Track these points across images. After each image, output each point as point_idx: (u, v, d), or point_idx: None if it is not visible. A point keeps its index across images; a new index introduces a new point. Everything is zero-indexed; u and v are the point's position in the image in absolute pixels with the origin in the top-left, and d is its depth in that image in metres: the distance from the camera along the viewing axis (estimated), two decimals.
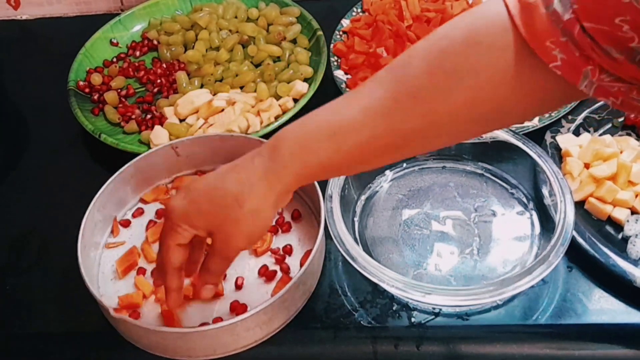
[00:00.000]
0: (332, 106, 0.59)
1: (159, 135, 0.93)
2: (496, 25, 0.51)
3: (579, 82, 0.49)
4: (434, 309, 0.74)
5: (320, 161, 0.58)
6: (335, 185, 0.78)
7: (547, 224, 0.78)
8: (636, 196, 0.80)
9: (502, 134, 0.82)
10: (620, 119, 0.89)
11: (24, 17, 1.23)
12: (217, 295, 0.75)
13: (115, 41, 1.10)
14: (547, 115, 0.90)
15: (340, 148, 0.57)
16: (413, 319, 0.73)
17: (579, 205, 0.80)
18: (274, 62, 1.04)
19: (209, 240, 0.64)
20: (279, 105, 0.96)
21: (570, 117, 0.89)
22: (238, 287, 0.76)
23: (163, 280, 0.65)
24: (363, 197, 0.85)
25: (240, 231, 0.61)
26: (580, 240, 0.75)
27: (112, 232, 0.83)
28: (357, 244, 0.76)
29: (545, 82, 0.50)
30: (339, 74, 0.99)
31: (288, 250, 0.79)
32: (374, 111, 0.55)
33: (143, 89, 1.03)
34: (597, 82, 0.48)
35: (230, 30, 1.08)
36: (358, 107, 0.56)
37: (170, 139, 0.92)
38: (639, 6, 0.43)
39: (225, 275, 0.77)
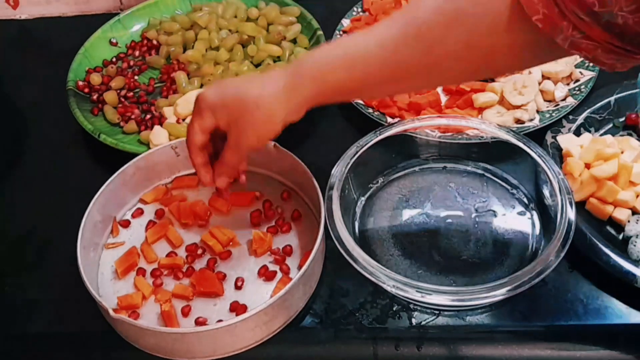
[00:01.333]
0: (350, 39, 0.69)
1: (158, 136, 0.92)
2: None
3: (555, 36, 0.55)
4: (434, 309, 0.74)
5: (334, 85, 0.66)
6: (335, 185, 0.78)
7: (548, 224, 0.78)
8: (637, 196, 0.80)
9: (503, 134, 0.82)
10: (621, 119, 0.89)
11: (23, 17, 1.23)
12: (217, 294, 0.75)
13: (114, 41, 1.10)
14: (547, 115, 0.90)
15: (353, 76, 0.65)
16: (413, 320, 0.73)
17: (580, 205, 0.80)
18: (274, 62, 1.04)
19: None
20: None
21: (571, 117, 0.89)
22: (238, 287, 0.76)
23: (190, 159, 0.73)
24: (363, 198, 0.85)
25: (253, 129, 0.69)
26: (581, 240, 0.75)
27: (111, 232, 0.83)
28: (358, 244, 0.75)
29: (528, 33, 0.56)
30: None
31: (288, 250, 0.79)
32: (385, 45, 0.63)
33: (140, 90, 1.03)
34: (570, 37, 0.54)
35: (230, 30, 1.08)
36: (373, 41, 0.64)
37: (170, 139, 0.92)
38: None
39: (225, 275, 0.77)
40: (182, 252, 0.80)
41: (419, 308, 0.74)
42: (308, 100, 0.67)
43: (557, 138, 0.87)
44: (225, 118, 0.69)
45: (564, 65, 0.94)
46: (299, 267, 0.76)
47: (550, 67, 0.94)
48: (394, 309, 0.74)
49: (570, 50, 0.56)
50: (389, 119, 0.91)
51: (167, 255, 0.80)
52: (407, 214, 0.83)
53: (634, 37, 0.52)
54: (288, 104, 0.67)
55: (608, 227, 0.79)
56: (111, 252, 0.81)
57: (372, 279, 0.70)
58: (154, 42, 1.09)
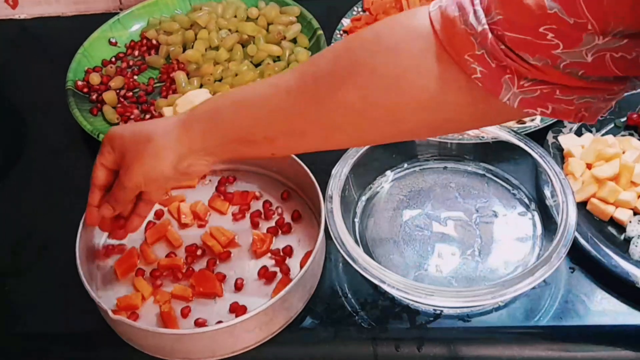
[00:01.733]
0: (252, 84, 0.68)
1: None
2: (419, 33, 0.52)
3: (500, 93, 0.50)
4: (435, 310, 0.73)
5: (223, 128, 0.64)
6: (335, 185, 0.77)
7: (549, 224, 0.78)
8: (638, 197, 0.80)
9: (503, 134, 0.82)
10: (623, 119, 0.89)
11: (22, 17, 1.23)
12: (217, 295, 0.75)
13: (114, 41, 1.09)
14: None
15: (240, 118, 0.62)
16: (414, 321, 0.73)
17: (581, 205, 0.80)
18: (274, 61, 1.03)
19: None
20: None
21: None
22: (238, 288, 0.76)
23: (89, 196, 0.72)
24: (363, 198, 0.85)
25: (140, 165, 0.67)
26: (582, 241, 0.75)
27: None
28: (358, 245, 0.75)
29: (467, 95, 0.52)
30: None
31: (288, 251, 0.79)
32: (279, 88, 0.60)
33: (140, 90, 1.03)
34: (518, 90, 0.49)
35: (229, 30, 1.08)
36: (267, 83, 0.63)
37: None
38: (563, 16, 0.45)
39: (225, 276, 0.77)
40: (181, 253, 0.80)
41: (419, 309, 0.74)
42: (196, 141, 0.65)
43: (558, 138, 0.87)
44: (119, 152, 0.68)
45: None
46: (299, 268, 0.76)
47: None
48: (395, 309, 0.74)
49: (522, 109, 0.50)
50: None
51: (167, 256, 0.80)
52: (408, 214, 0.83)
53: (603, 78, 0.48)
54: (178, 144, 0.65)
55: (609, 228, 0.79)
56: (111, 253, 0.81)
57: (373, 280, 0.70)
58: (154, 41, 1.09)
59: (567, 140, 0.86)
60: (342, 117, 0.57)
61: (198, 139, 0.64)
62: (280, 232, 0.81)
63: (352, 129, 0.59)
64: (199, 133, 0.64)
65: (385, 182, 0.87)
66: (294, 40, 1.06)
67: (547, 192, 0.79)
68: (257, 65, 1.04)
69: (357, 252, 0.72)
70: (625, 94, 0.53)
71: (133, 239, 0.82)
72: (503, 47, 0.48)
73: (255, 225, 0.82)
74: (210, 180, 0.88)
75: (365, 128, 0.58)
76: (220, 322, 0.71)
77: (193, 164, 0.66)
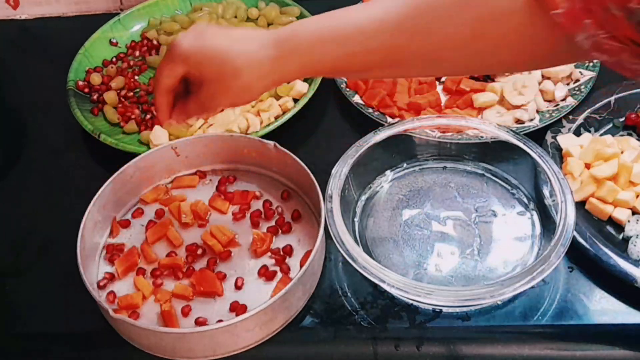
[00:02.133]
0: (347, 11, 0.61)
1: (158, 136, 0.92)
2: None
3: (577, 33, 0.49)
4: (434, 309, 0.74)
5: (323, 61, 0.61)
6: (335, 185, 0.77)
7: (548, 224, 0.78)
8: (637, 196, 0.80)
9: (503, 134, 0.82)
10: (621, 119, 0.89)
11: (23, 17, 1.23)
12: (217, 294, 0.75)
13: (114, 41, 1.10)
14: (547, 115, 0.90)
15: (341, 53, 0.60)
16: (414, 320, 0.73)
17: (580, 205, 0.80)
18: None
19: None
20: (279, 105, 0.95)
21: (571, 117, 0.89)
22: (238, 287, 0.76)
23: (154, 99, 0.69)
24: (363, 198, 0.85)
25: (227, 96, 0.65)
26: (581, 240, 0.75)
27: (111, 232, 0.83)
28: (358, 244, 0.75)
29: (544, 29, 0.51)
30: None
31: (288, 250, 0.79)
32: (385, 25, 0.58)
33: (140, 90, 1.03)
34: (593, 36, 0.49)
35: None
36: (370, 17, 0.59)
37: (170, 139, 0.92)
38: None
39: (225, 275, 0.77)
40: (182, 252, 0.80)
41: (418, 308, 0.74)
42: (292, 73, 0.64)
43: (557, 138, 0.87)
44: (199, 74, 0.65)
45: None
46: (299, 267, 0.76)
47: None
48: (394, 309, 0.74)
49: (591, 52, 0.50)
50: (389, 119, 0.91)
51: (167, 255, 0.80)
52: (407, 214, 0.83)
53: None
54: (269, 77, 0.63)
55: (608, 227, 0.79)
56: (111, 252, 0.81)
57: (372, 279, 0.70)
58: (154, 42, 1.09)
59: (566, 140, 0.86)
60: (448, 51, 0.57)
61: (294, 71, 0.63)
62: (280, 231, 0.82)
63: (456, 61, 0.59)
64: (295, 66, 0.62)
65: (385, 182, 0.87)
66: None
67: (546, 191, 0.79)
68: None
69: (357, 251, 0.72)
70: (624, 93, 0.52)
71: (134, 239, 0.83)
72: None
73: (255, 224, 0.82)
74: (210, 180, 0.89)
75: (466, 60, 0.58)
76: (220, 321, 0.71)
77: (279, 84, 0.66)
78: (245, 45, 0.63)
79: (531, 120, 0.90)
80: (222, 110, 0.70)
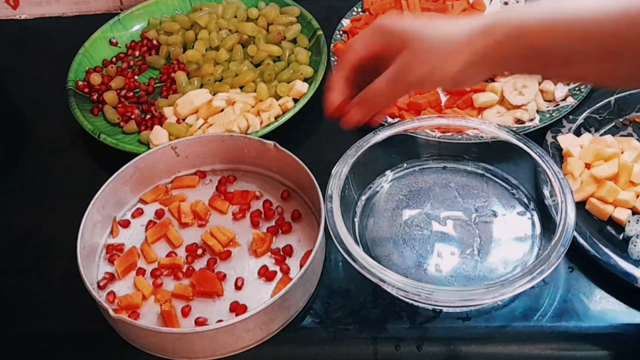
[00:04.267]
0: (564, 3, 0.57)
1: (158, 136, 0.92)
2: None
3: None
4: (434, 309, 0.74)
5: (533, 51, 0.58)
6: (335, 185, 0.77)
7: (548, 224, 0.78)
8: (637, 196, 0.80)
9: (503, 134, 0.82)
10: (622, 119, 0.89)
11: (22, 17, 1.23)
12: (217, 294, 0.75)
13: (114, 41, 1.10)
14: (548, 115, 0.90)
15: (551, 31, 0.56)
16: (414, 320, 0.73)
17: (580, 205, 0.80)
18: (274, 61, 1.04)
19: None
20: (279, 105, 0.95)
21: (571, 117, 0.89)
22: (238, 287, 0.76)
23: (335, 71, 0.68)
24: (363, 198, 0.85)
25: (422, 64, 0.62)
26: (581, 240, 0.75)
27: (111, 232, 0.83)
28: (358, 244, 0.75)
29: None
30: None
31: (288, 250, 0.79)
32: (604, 10, 0.54)
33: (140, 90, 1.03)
34: None
35: (230, 30, 1.08)
36: (591, 9, 0.55)
37: (170, 139, 0.92)
38: None
39: (225, 275, 0.77)
40: (182, 252, 0.80)
41: (419, 308, 0.74)
42: (497, 60, 0.60)
43: (557, 138, 0.87)
44: (397, 45, 0.62)
45: None
46: (299, 267, 0.76)
47: None
48: (394, 309, 0.74)
49: None
50: (389, 119, 0.91)
51: (167, 255, 0.80)
52: (407, 214, 0.83)
53: None
54: (472, 50, 0.60)
55: (608, 227, 0.79)
56: (111, 252, 0.81)
57: (372, 279, 0.70)
58: (154, 42, 1.09)
59: (566, 140, 0.86)
60: None
61: (492, 55, 0.59)
62: (280, 231, 0.82)
63: None
64: (499, 51, 0.59)
65: (385, 182, 0.87)
66: (294, 41, 1.06)
67: (546, 191, 0.79)
68: (257, 66, 1.04)
69: (357, 251, 0.72)
70: (624, 93, 0.51)
71: (134, 239, 0.83)
72: None
73: (255, 224, 0.82)
74: (210, 180, 0.89)
75: None
76: (220, 321, 0.71)
77: (473, 76, 0.63)
78: (454, 23, 0.62)
79: (531, 120, 0.90)
80: (415, 91, 0.70)
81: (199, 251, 0.80)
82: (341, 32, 1.05)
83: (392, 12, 0.64)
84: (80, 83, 1.02)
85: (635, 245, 0.76)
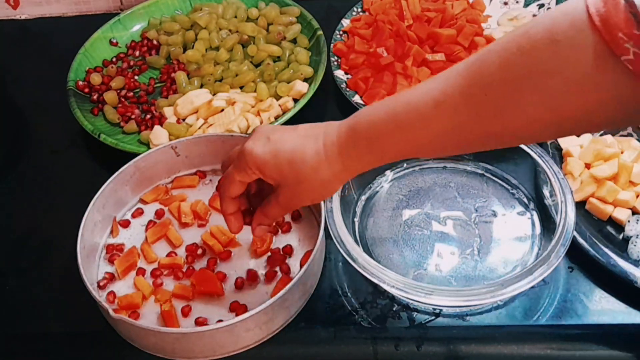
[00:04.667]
0: (407, 97, 0.58)
1: (158, 136, 0.92)
2: (575, 20, 0.47)
3: None
4: (434, 309, 0.74)
5: (391, 151, 0.60)
6: None
7: (548, 224, 0.78)
8: (637, 196, 0.80)
9: None
10: None
11: (23, 17, 1.23)
12: (217, 294, 0.75)
13: (114, 41, 1.10)
14: None
15: (410, 140, 0.58)
16: (413, 320, 0.73)
17: (580, 205, 0.80)
18: (274, 62, 1.04)
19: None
20: (279, 105, 0.95)
21: None
22: (238, 287, 0.76)
23: (221, 207, 0.71)
24: (363, 198, 0.85)
25: (308, 195, 0.65)
26: (581, 240, 0.75)
27: (111, 232, 0.83)
28: (358, 244, 0.76)
29: (621, 83, 0.46)
30: (339, 73, 0.99)
31: (288, 250, 0.79)
32: (444, 106, 0.54)
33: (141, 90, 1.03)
34: None
35: (230, 30, 1.08)
36: (429, 101, 0.55)
37: (170, 139, 0.92)
38: None
39: (225, 275, 0.77)
40: (182, 252, 0.80)
41: (418, 308, 0.74)
42: (366, 166, 0.62)
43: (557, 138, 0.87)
44: (277, 180, 0.65)
45: None
46: (299, 267, 0.76)
47: None
48: (394, 308, 0.74)
49: None
50: None
51: (167, 255, 0.80)
52: (407, 214, 0.83)
53: None
54: (343, 173, 0.63)
55: (608, 227, 0.79)
56: (111, 252, 0.81)
57: (372, 279, 0.70)
58: (154, 42, 1.09)
59: (566, 140, 0.86)
60: (518, 127, 0.52)
61: (359, 166, 0.62)
62: (280, 231, 0.82)
63: (530, 135, 0.54)
64: (364, 159, 0.61)
65: (385, 182, 0.87)
66: (294, 41, 1.06)
67: (546, 191, 0.79)
68: (257, 66, 1.04)
69: (357, 251, 0.72)
70: None
71: (134, 239, 0.83)
72: None
73: None
74: (210, 180, 0.89)
75: (544, 132, 0.53)
76: (220, 321, 0.71)
77: (360, 171, 0.64)
78: (315, 143, 0.63)
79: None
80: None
81: (199, 251, 0.80)
82: (341, 32, 1.05)
83: (261, 129, 0.66)
84: (81, 83, 1.02)
85: (635, 245, 0.76)
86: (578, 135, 0.86)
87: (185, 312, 0.74)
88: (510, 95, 0.50)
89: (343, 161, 0.62)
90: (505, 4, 1.08)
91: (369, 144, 0.60)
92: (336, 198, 0.76)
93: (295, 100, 0.97)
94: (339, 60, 1.01)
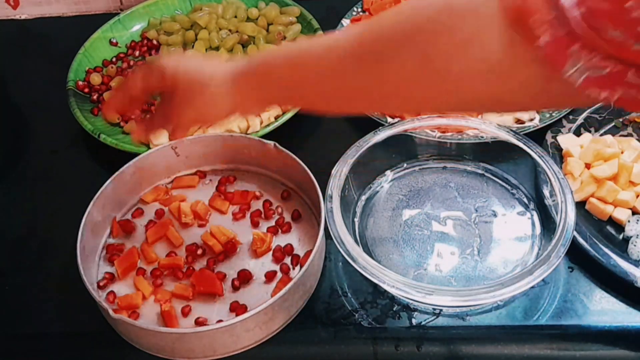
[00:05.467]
0: (307, 42, 0.63)
1: (158, 136, 0.92)
2: None
3: (564, 66, 0.43)
4: (434, 309, 0.74)
5: (278, 85, 0.62)
6: (335, 185, 0.78)
7: (548, 224, 0.78)
8: (637, 196, 0.80)
9: (503, 134, 0.82)
10: (622, 119, 0.89)
11: (23, 17, 1.23)
12: (217, 294, 0.75)
13: (114, 41, 1.10)
14: (548, 115, 0.90)
15: (296, 79, 0.60)
16: (413, 320, 0.73)
17: (580, 205, 0.80)
18: None
19: None
20: None
21: (571, 117, 0.89)
22: (238, 287, 0.76)
23: (115, 91, 0.74)
24: (363, 197, 0.85)
25: (191, 107, 0.67)
26: (581, 240, 0.75)
27: (111, 232, 0.83)
28: (358, 244, 0.75)
29: (532, 68, 0.45)
30: None
31: (288, 250, 0.79)
32: (333, 49, 0.56)
33: None
34: (585, 65, 0.42)
35: (230, 30, 1.08)
36: (323, 43, 0.58)
37: (170, 139, 0.92)
38: None
39: (225, 275, 0.77)
40: (182, 252, 0.80)
41: (418, 308, 0.74)
42: (252, 98, 0.65)
43: (557, 138, 0.87)
44: (172, 86, 0.67)
45: None
46: (299, 267, 0.76)
47: None
48: (394, 309, 0.74)
49: (585, 87, 0.43)
50: (389, 119, 0.91)
51: (167, 256, 0.80)
52: (407, 214, 0.83)
53: None
54: (232, 94, 0.65)
55: (608, 227, 0.79)
56: (111, 252, 0.81)
57: (372, 279, 0.70)
58: (154, 42, 1.09)
59: (566, 140, 0.86)
60: (399, 84, 0.52)
61: (252, 92, 0.64)
62: (280, 231, 0.82)
63: (408, 96, 0.54)
64: (252, 87, 0.64)
65: (385, 182, 0.87)
66: (294, 41, 1.06)
67: (546, 191, 0.79)
68: None
69: (357, 251, 0.72)
70: None
71: (134, 239, 0.83)
72: (578, 12, 0.41)
73: (255, 224, 0.82)
74: (210, 180, 0.89)
75: (422, 96, 0.53)
76: (220, 321, 0.71)
77: (248, 109, 0.69)
78: (215, 66, 0.67)
79: (531, 120, 0.90)
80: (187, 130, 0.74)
81: (199, 251, 0.80)
82: None
83: (175, 52, 0.71)
84: (80, 83, 1.02)
85: (635, 245, 0.76)
86: (467, 113, 0.84)
87: (185, 312, 0.74)
88: (394, 48, 0.51)
89: (233, 83, 0.64)
90: None
91: (262, 73, 0.62)
92: (336, 198, 0.76)
93: None
94: None
